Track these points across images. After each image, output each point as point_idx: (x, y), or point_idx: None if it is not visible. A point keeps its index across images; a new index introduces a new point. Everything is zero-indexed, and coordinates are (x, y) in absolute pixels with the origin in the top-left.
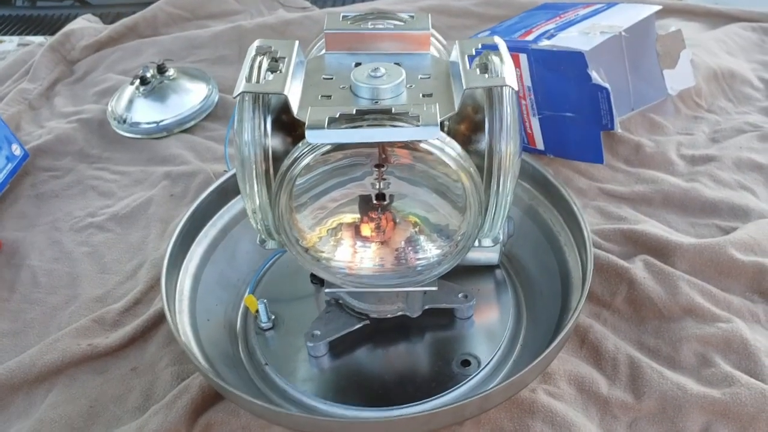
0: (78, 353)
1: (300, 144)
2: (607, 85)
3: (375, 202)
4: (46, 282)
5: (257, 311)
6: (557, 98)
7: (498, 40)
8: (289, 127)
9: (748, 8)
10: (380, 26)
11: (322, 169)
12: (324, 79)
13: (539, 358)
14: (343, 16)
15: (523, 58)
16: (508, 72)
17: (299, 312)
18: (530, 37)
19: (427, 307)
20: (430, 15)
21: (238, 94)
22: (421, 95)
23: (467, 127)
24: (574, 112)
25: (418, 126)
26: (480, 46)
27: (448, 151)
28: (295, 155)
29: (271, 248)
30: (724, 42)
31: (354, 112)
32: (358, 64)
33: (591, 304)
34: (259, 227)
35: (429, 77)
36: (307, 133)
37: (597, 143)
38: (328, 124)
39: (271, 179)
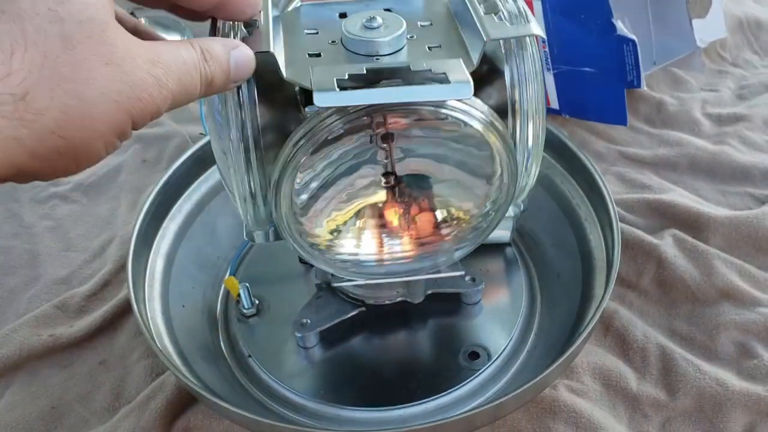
0: (38, 345)
1: (304, 123)
2: (633, 37)
3: (386, 182)
4: (3, 261)
5: (239, 295)
6: (575, 51)
7: None
8: (267, 95)
9: None
10: None
11: (328, 159)
12: (307, 34)
13: (563, 357)
14: None
15: (536, 4)
16: (531, 16)
17: (286, 295)
18: None
19: (430, 292)
20: None
21: None
22: (427, 47)
23: (479, 81)
24: (595, 67)
25: (450, 84)
26: None
27: (474, 113)
28: (299, 134)
29: (260, 242)
30: None
31: (364, 71)
32: (343, 15)
33: (615, 285)
34: (248, 217)
35: (430, 24)
36: (315, 96)
37: (620, 102)
38: (338, 85)
39: (263, 159)
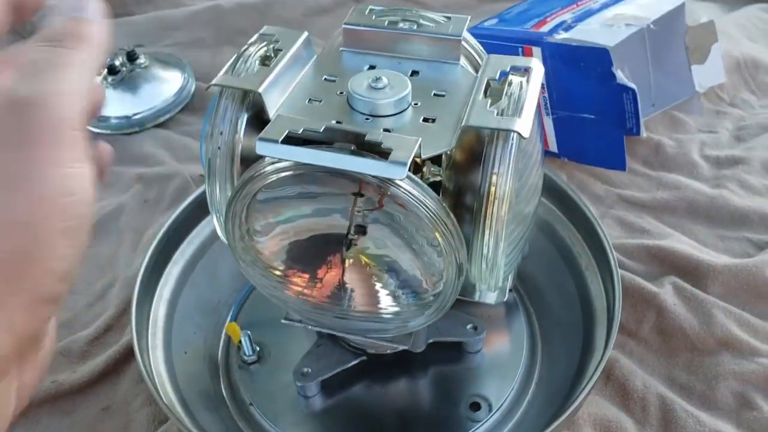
0: (41, 391)
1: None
2: (633, 86)
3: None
4: None
5: (240, 342)
6: (575, 98)
7: (535, 64)
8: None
9: None
10: (405, 26)
11: (289, 191)
12: (325, 80)
13: (567, 412)
14: (370, 9)
15: (536, 52)
16: (527, 111)
17: (287, 341)
18: (545, 29)
19: (431, 340)
20: (469, 18)
21: (209, 86)
22: (422, 119)
23: (467, 158)
24: (595, 113)
25: (385, 161)
26: (509, 68)
27: (417, 196)
28: (260, 168)
29: None
30: (744, 27)
31: (321, 129)
32: (372, 67)
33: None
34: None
35: (444, 95)
36: (258, 143)
37: (620, 149)
38: (284, 139)
39: (235, 181)
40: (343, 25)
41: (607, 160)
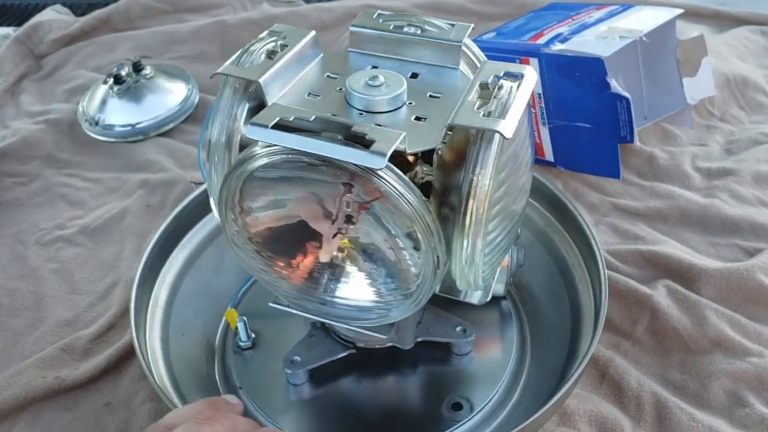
0: (43, 387)
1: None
2: (627, 95)
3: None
4: (8, 303)
5: (237, 328)
6: (571, 107)
7: (529, 71)
8: None
9: (757, 11)
10: (411, 31)
11: (282, 174)
12: (327, 77)
13: (552, 402)
14: (378, 14)
15: (533, 62)
16: (512, 114)
17: (283, 331)
18: (542, 41)
19: (420, 339)
20: (472, 26)
21: (214, 74)
22: (414, 117)
23: (454, 158)
24: (590, 122)
25: (366, 150)
26: (503, 73)
27: (398, 189)
28: (254, 151)
29: None
30: (734, 46)
31: (312, 118)
32: (374, 68)
33: (610, 333)
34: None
35: (440, 97)
36: (249, 127)
37: (614, 156)
38: (274, 125)
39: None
40: (351, 27)
41: (602, 168)
